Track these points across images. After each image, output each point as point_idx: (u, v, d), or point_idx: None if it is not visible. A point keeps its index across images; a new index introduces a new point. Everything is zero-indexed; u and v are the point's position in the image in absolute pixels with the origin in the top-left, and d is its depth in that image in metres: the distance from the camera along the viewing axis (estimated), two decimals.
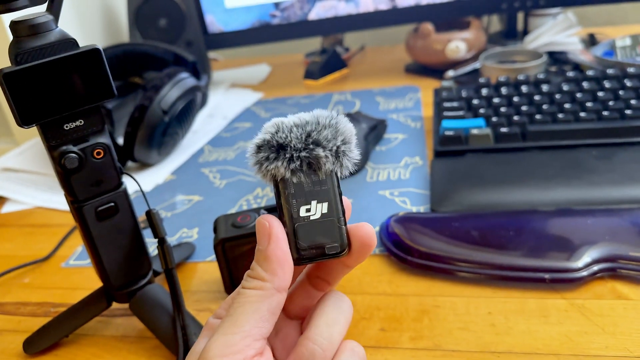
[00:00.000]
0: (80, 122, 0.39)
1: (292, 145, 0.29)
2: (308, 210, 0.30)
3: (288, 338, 0.33)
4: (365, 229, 0.30)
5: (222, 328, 0.28)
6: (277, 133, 0.30)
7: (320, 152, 0.29)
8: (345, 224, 0.30)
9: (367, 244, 0.30)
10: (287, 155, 0.29)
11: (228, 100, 1.01)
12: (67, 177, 0.39)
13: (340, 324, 0.31)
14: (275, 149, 0.30)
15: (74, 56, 0.37)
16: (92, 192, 0.41)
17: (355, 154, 0.31)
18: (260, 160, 0.30)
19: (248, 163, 0.30)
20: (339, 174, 0.30)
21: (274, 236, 0.29)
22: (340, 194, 0.30)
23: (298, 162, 0.29)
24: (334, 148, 0.30)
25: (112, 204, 0.42)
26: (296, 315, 0.34)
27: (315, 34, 1.02)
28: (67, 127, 0.39)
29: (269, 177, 0.30)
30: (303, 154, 0.29)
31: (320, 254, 0.30)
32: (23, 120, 0.36)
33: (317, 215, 0.30)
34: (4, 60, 0.70)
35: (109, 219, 0.42)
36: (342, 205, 0.30)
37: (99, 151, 0.40)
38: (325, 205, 0.30)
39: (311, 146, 0.29)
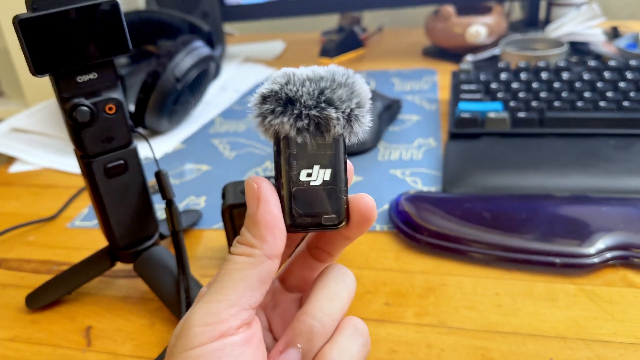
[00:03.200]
0: (94, 75, 0.38)
1: (302, 101, 0.26)
2: (309, 174, 0.27)
3: (287, 312, 0.31)
4: (365, 201, 0.28)
5: (207, 295, 0.26)
6: (287, 85, 0.27)
7: (332, 112, 0.26)
8: (347, 195, 0.28)
9: (367, 218, 0.28)
10: (296, 112, 0.26)
11: (241, 74, 1.00)
12: (77, 131, 0.39)
13: (342, 299, 0.28)
14: (283, 102, 0.27)
15: (91, 7, 0.36)
16: (103, 147, 0.40)
17: (367, 120, 0.28)
18: (264, 112, 0.27)
19: (250, 114, 0.28)
20: (347, 140, 0.28)
21: (263, 199, 0.27)
22: (346, 162, 0.28)
23: (306, 121, 0.27)
24: (347, 110, 0.27)
25: (122, 161, 0.41)
26: (295, 287, 0.32)
27: (334, 11, 1.01)
28: (80, 79, 0.38)
29: (271, 132, 0.27)
30: (313, 112, 0.26)
31: (315, 224, 0.27)
32: (36, 68, 0.36)
33: (318, 182, 0.27)
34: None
35: (118, 176, 0.41)
36: (345, 174, 0.28)
37: (111, 106, 0.40)
38: (329, 172, 0.27)
39: (323, 105, 0.27)
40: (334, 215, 0.27)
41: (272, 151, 0.28)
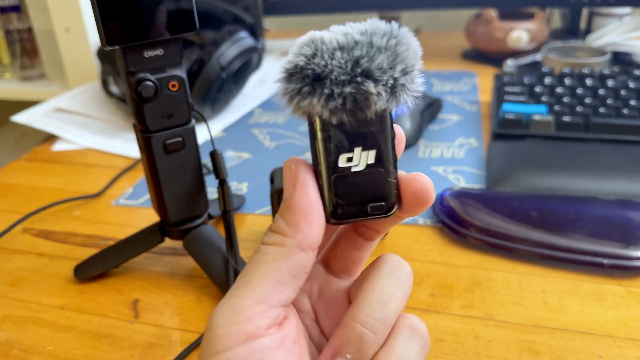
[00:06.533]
0: (160, 51, 0.39)
1: (333, 78, 0.22)
2: (349, 159, 0.23)
3: (334, 302, 0.27)
4: (420, 182, 0.24)
5: (232, 290, 0.23)
6: (313, 58, 0.22)
7: (370, 87, 0.22)
8: (396, 176, 0.24)
9: (422, 200, 0.24)
10: (326, 91, 0.22)
11: (280, 67, 1.01)
12: (140, 105, 0.40)
13: (396, 300, 0.24)
14: (311, 79, 0.22)
15: None
16: (163, 124, 0.41)
17: (417, 84, 0.23)
18: (290, 92, 0.23)
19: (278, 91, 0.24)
20: (393, 112, 0.23)
21: (300, 182, 0.23)
22: (393, 138, 0.24)
23: (340, 100, 0.22)
24: (390, 81, 0.22)
25: (180, 138, 0.42)
26: (342, 270, 0.28)
27: (374, 9, 1.02)
28: (147, 54, 0.39)
29: (301, 113, 0.23)
30: (347, 89, 0.22)
31: (361, 213, 0.24)
32: (108, 40, 0.37)
33: (361, 166, 0.23)
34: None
35: (175, 152, 0.42)
36: (394, 153, 0.24)
37: (174, 84, 0.40)
38: (372, 153, 0.23)
39: (359, 79, 0.22)
40: (382, 203, 0.24)
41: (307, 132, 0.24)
